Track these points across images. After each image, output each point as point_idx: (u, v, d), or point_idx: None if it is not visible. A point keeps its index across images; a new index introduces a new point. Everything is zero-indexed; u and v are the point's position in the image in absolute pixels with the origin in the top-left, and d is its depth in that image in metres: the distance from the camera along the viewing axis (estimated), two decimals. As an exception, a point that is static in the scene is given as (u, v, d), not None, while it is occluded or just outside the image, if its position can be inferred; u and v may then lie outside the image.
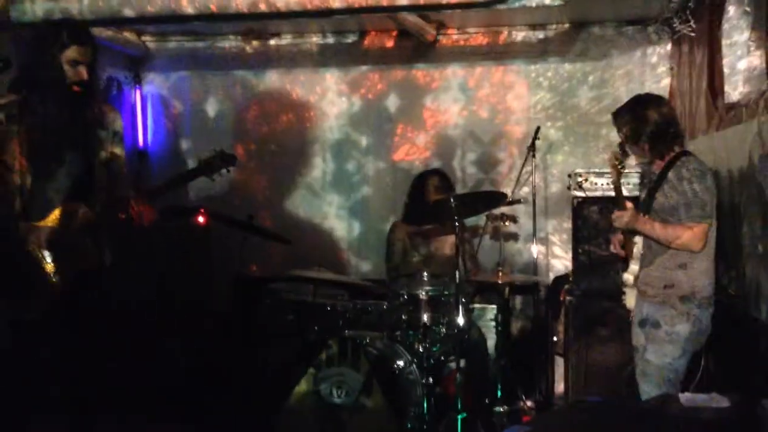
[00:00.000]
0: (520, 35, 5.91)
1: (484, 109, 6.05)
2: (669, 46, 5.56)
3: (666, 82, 5.56)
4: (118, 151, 3.67)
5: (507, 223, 5.38)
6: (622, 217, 3.64)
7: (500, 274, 4.81)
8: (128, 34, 6.07)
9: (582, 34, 5.80)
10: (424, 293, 4.50)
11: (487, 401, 4.79)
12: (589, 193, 4.84)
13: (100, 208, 3.49)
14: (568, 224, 5.29)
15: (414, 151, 6.16)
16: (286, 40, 6.23)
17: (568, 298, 4.92)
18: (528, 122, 5.87)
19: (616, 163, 3.75)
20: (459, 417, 4.08)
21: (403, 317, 4.52)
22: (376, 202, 6.23)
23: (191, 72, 6.44)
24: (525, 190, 5.61)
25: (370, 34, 6.12)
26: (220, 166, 3.77)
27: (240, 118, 6.40)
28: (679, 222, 3.59)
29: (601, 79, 5.83)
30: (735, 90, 4.35)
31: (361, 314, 4.82)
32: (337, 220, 6.31)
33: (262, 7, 4.98)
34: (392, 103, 6.20)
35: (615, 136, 4.01)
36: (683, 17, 5.04)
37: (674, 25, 5.20)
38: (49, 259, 3.39)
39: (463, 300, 4.25)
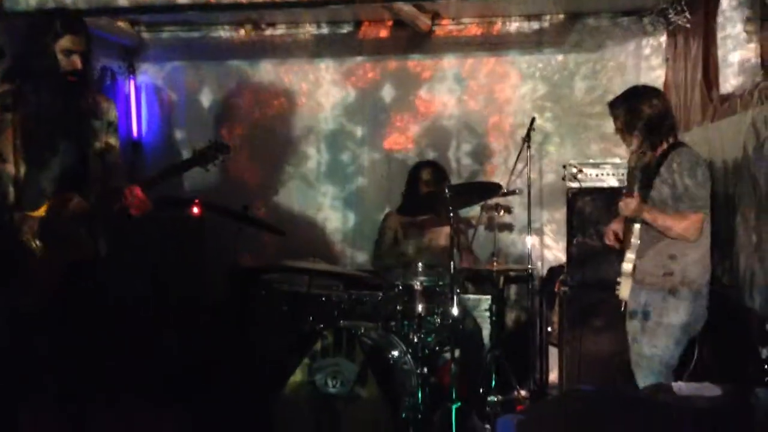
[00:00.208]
0: (514, 26, 5.90)
1: (479, 99, 6.04)
2: (664, 37, 5.55)
3: (661, 73, 5.56)
4: (112, 141, 3.66)
5: (502, 214, 5.39)
6: (629, 205, 3.64)
7: (495, 264, 4.82)
8: (122, 24, 6.05)
9: (577, 25, 5.79)
10: (418, 284, 4.51)
11: (481, 391, 4.81)
12: (584, 184, 4.85)
13: (95, 199, 3.48)
14: (562, 215, 5.30)
15: (409, 141, 6.16)
16: (280, 30, 6.21)
17: (562, 288, 4.94)
18: (523, 113, 5.85)
19: (639, 149, 3.74)
20: (453, 407, 4.10)
21: (398, 308, 4.53)
22: (370, 192, 6.23)
23: (185, 62, 6.42)
24: (520, 181, 5.61)
25: (365, 25, 6.10)
26: (215, 156, 3.76)
27: (234, 108, 6.39)
28: (677, 211, 3.62)
29: (596, 70, 5.82)
30: (729, 81, 4.36)
31: (356, 305, 4.82)
32: (331, 211, 6.31)
33: (257, -4, 4.97)
34: (387, 93, 6.19)
35: (610, 128, 4.03)
36: (678, 8, 5.05)
37: (669, 16, 5.21)
38: (43, 250, 3.38)
39: (458, 290, 4.26)
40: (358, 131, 6.24)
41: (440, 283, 4.56)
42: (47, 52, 3.41)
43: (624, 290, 3.75)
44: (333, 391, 4.13)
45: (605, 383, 4.46)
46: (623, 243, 3.84)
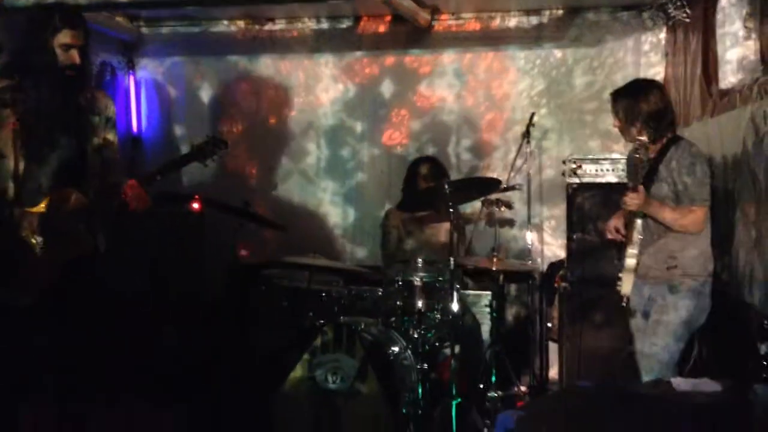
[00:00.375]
0: (514, 21, 5.88)
1: (478, 94, 6.03)
2: (664, 33, 5.53)
3: (660, 68, 5.55)
4: (110, 137, 3.66)
5: (502, 209, 5.38)
6: (635, 199, 3.64)
7: (495, 260, 4.82)
8: (121, 19, 6.04)
9: (576, 20, 5.77)
10: (418, 279, 4.51)
11: (481, 387, 4.80)
12: (584, 180, 4.85)
13: (93, 194, 3.48)
14: (562, 210, 5.29)
15: (409, 137, 6.15)
16: (280, 25, 6.20)
17: (562, 284, 4.94)
18: (522, 108, 5.85)
19: (645, 141, 3.72)
20: (453, 402, 4.11)
21: (398, 303, 4.54)
22: (370, 188, 6.22)
23: (185, 57, 6.41)
24: (519, 177, 5.61)
25: (364, 20, 6.09)
26: (212, 151, 3.76)
27: (234, 103, 6.38)
28: (681, 205, 3.64)
29: (596, 65, 5.81)
30: (729, 76, 4.36)
31: (356, 300, 4.82)
32: (331, 207, 6.30)
33: (256, -9, 4.96)
34: (387, 88, 6.18)
35: (609, 123, 4.03)
36: (678, 3, 5.05)
37: (669, 11, 5.20)
38: (42, 245, 3.38)
39: (458, 286, 4.26)
40: (358, 126, 6.24)
41: (440, 278, 4.56)
42: (46, 47, 3.40)
43: (626, 286, 3.74)
44: (333, 386, 4.13)
45: (605, 379, 4.46)
46: (625, 238, 3.84)
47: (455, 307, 4.26)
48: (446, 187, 4.31)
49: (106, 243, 3.59)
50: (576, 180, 4.86)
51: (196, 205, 5.15)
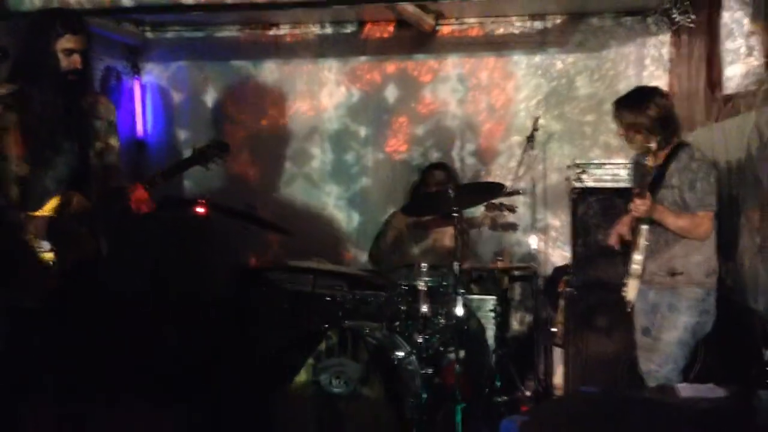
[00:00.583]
0: (518, 26, 5.89)
1: (482, 99, 6.03)
2: (668, 37, 5.54)
3: (664, 73, 5.55)
4: (112, 141, 3.68)
5: (506, 213, 5.38)
6: (642, 205, 3.63)
7: (499, 264, 4.81)
8: (126, 24, 6.05)
9: (580, 25, 5.77)
10: (423, 284, 4.50)
11: (486, 391, 4.80)
12: (588, 185, 4.84)
13: (96, 198, 3.49)
14: (566, 215, 5.29)
15: (413, 142, 6.15)
16: (284, 30, 6.21)
17: (567, 288, 4.93)
18: (526, 113, 5.85)
19: (653, 148, 3.72)
20: (458, 407, 4.09)
21: (402, 308, 4.54)
22: (374, 193, 6.22)
23: (190, 62, 6.42)
24: (524, 181, 5.61)
25: (369, 25, 6.09)
26: (214, 155, 3.78)
27: (238, 108, 6.39)
28: (687, 211, 3.64)
29: (600, 70, 5.80)
30: (733, 81, 4.35)
31: (360, 305, 4.83)
32: (336, 211, 6.30)
33: (261, -4, 4.97)
34: (391, 93, 6.18)
35: (613, 128, 4.03)
36: (682, 8, 5.04)
37: (673, 16, 5.20)
38: (46, 249, 3.39)
39: (462, 291, 4.25)
40: (362, 131, 6.24)
41: (444, 283, 4.56)
42: (48, 51, 3.42)
43: (631, 291, 3.74)
44: (337, 391, 4.13)
45: (610, 384, 4.45)
46: (631, 244, 3.83)
47: (460, 311, 4.25)
48: (450, 191, 4.31)
49: (108, 246, 3.60)
50: (580, 184, 4.85)
51: (202, 210, 5.15)
